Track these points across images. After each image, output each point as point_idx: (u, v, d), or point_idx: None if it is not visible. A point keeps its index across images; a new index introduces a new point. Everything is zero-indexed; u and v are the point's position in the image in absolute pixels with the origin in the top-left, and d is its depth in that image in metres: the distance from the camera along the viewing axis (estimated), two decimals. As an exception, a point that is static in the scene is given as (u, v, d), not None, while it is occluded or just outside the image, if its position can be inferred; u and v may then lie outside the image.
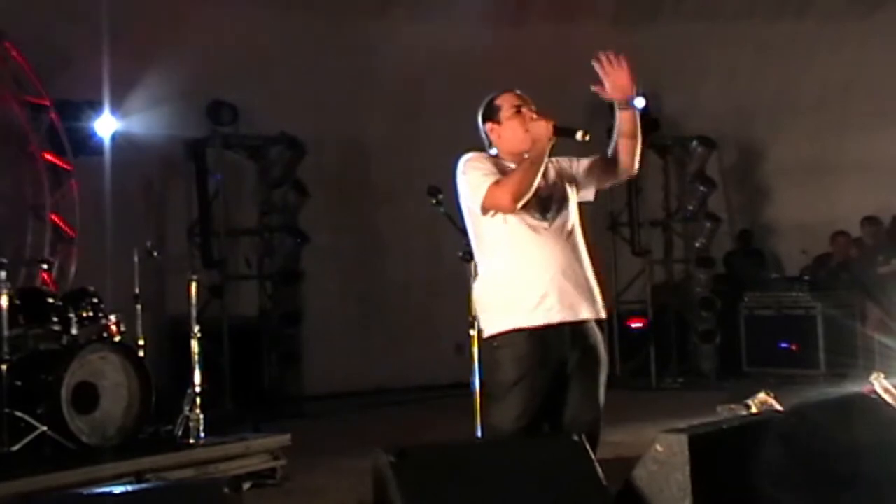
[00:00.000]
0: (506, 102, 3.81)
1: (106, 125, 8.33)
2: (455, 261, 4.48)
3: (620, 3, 10.41)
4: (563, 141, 3.70)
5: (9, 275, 6.12)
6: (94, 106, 8.29)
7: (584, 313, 3.67)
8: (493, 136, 3.81)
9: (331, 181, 9.85)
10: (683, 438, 3.21)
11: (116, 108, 8.42)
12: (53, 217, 8.06)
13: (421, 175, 8.91)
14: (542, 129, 3.62)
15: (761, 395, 5.30)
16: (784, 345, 9.77)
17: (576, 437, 3.35)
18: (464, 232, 4.15)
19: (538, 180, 3.61)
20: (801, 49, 10.68)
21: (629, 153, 3.93)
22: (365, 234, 10.17)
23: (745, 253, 11.06)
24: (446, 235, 4.54)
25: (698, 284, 10.33)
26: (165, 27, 8.76)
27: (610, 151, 3.91)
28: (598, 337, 3.73)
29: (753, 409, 5.21)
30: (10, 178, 8.42)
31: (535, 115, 3.74)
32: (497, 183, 3.58)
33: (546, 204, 3.71)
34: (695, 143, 10.31)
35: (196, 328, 6.55)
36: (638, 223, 10.49)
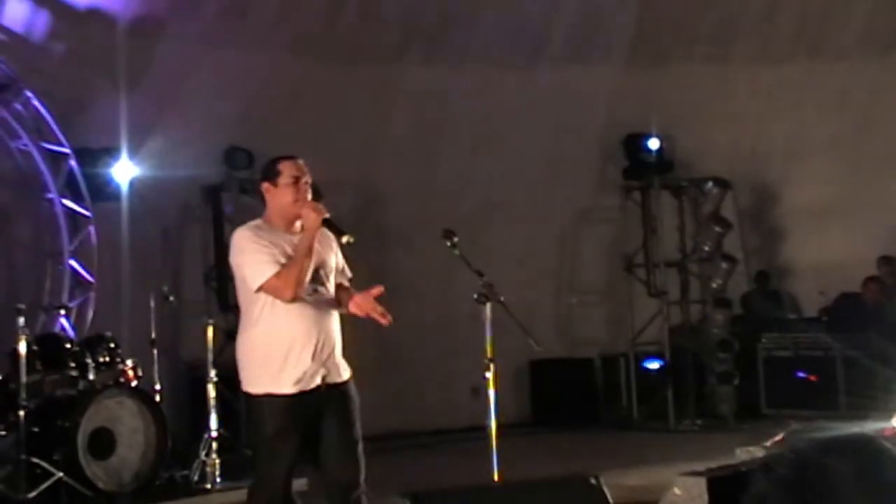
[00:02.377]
0: (287, 170, 4.16)
1: (123, 171, 8.41)
2: (470, 304, 4.48)
3: (633, 46, 10.47)
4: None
5: (27, 320, 6.16)
6: (112, 152, 8.37)
7: (333, 378, 4.10)
8: (267, 196, 4.22)
9: (345, 225, 9.88)
10: (702, 481, 3.19)
11: (134, 154, 8.51)
12: (72, 263, 8.12)
13: (435, 218, 8.96)
14: (313, 220, 4.03)
15: (780, 438, 5.23)
16: (801, 375, 9.70)
17: (593, 481, 3.33)
18: (479, 274, 4.18)
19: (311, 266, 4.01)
20: (813, 90, 10.71)
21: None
22: (379, 278, 10.13)
23: (762, 294, 11.01)
24: (461, 278, 4.55)
25: (715, 325, 10.26)
26: (181, 74, 8.87)
27: (342, 297, 4.23)
28: (347, 392, 4.14)
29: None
30: (30, 224, 8.50)
31: (309, 193, 4.15)
32: (278, 276, 3.94)
33: (311, 278, 4.06)
34: (710, 184, 10.31)
35: (212, 372, 6.56)
36: (654, 264, 10.46)
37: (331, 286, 4.15)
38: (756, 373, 10.04)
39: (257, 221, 4.18)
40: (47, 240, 8.30)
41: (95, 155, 8.32)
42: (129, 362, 6.61)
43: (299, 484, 6.44)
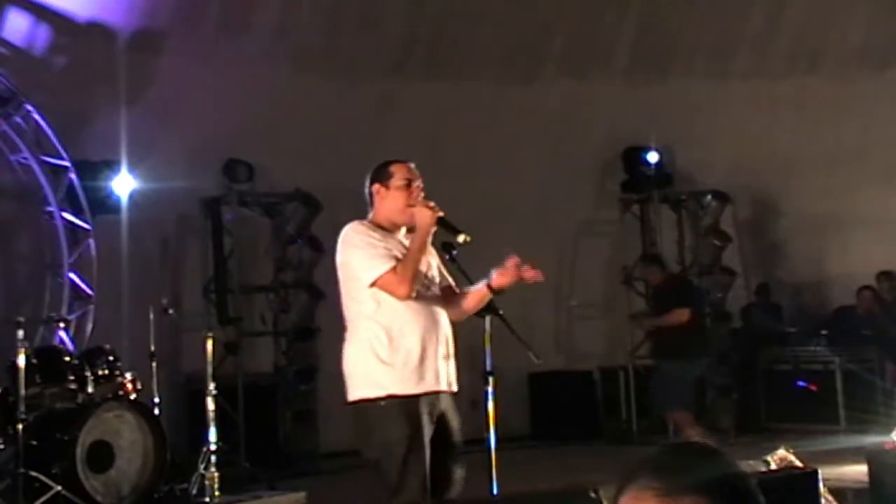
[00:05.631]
0: (399, 172, 4.01)
1: (123, 184, 8.42)
2: (469, 317, 4.48)
3: (632, 61, 10.51)
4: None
5: (26, 333, 6.16)
6: (112, 165, 8.39)
7: (451, 384, 3.95)
8: (377, 198, 4.03)
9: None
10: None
11: (133, 167, 8.52)
12: (71, 276, 8.12)
13: (435, 232, 8.98)
14: (427, 217, 3.87)
15: (780, 452, 5.23)
16: (802, 383, 9.70)
17: (592, 494, 3.33)
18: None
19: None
20: (812, 105, 10.75)
21: (471, 311, 4.06)
22: (380, 291, 10.19)
23: (762, 307, 11.00)
24: (460, 291, 4.54)
25: (715, 339, 10.26)
26: (181, 87, 8.89)
27: (462, 298, 4.04)
28: (450, 402, 4.00)
29: (773, 466, 5.15)
30: (29, 237, 8.51)
31: (422, 195, 3.97)
32: (394, 271, 3.78)
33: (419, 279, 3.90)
34: (709, 197, 10.32)
35: (211, 385, 6.56)
36: (653, 278, 10.46)
37: (436, 290, 3.97)
38: (756, 386, 10.03)
39: (363, 221, 4.00)
40: (47, 252, 8.30)
41: (95, 168, 8.33)
42: (129, 375, 6.60)
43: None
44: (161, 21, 8.83)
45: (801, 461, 5.13)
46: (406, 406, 3.75)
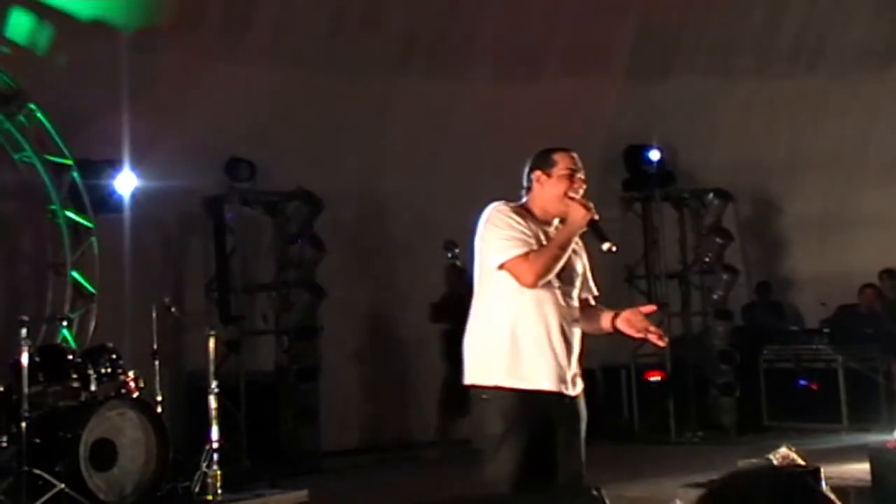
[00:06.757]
0: (563, 161, 3.87)
1: (126, 183, 8.43)
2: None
3: (634, 59, 10.51)
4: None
5: (29, 332, 6.17)
6: (114, 164, 8.39)
7: (569, 389, 3.74)
8: (536, 185, 3.89)
9: (347, 236, 9.92)
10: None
11: (136, 166, 8.53)
12: (74, 274, 8.13)
13: (437, 229, 8.98)
14: (581, 216, 3.74)
15: (783, 450, 5.24)
16: (803, 382, 9.72)
17: (594, 492, 3.33)
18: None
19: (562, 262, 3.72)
20: (813, 104, 10.76)
21: (586, 331, 3.93)
22: (381, 289, 10.21)
23: (764, 305, 11.01)
24: (463, 290, 4.54)
25: (716, 337, 10.27)
26: (183, 86, 8.90)
27: (586, 316, 3.92)
28: (576, 408, 3.79)
29: (775, 464, 5.16)
30: (32, 236, 8.52)
31: (581, 191, 3.83)
32: (525, 257, 3.65)
33: (559, 274, 3.76)
34: (711, 195, 10.33)
35: (213, 383, 6.57)
36: (655, 276, 10.47)
37: (576, 293, 3.83)
38: (758, 384, 10.03)
39: (511, 203, 3.86)
40: (49, 251, 8.31)
41: (98, 166, 8.34)
42: (131, 373, 6.62)
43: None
44: (163, 20, 8.84)
45: (804, 459, 5.14)
46: (508, 402, 3.63)
